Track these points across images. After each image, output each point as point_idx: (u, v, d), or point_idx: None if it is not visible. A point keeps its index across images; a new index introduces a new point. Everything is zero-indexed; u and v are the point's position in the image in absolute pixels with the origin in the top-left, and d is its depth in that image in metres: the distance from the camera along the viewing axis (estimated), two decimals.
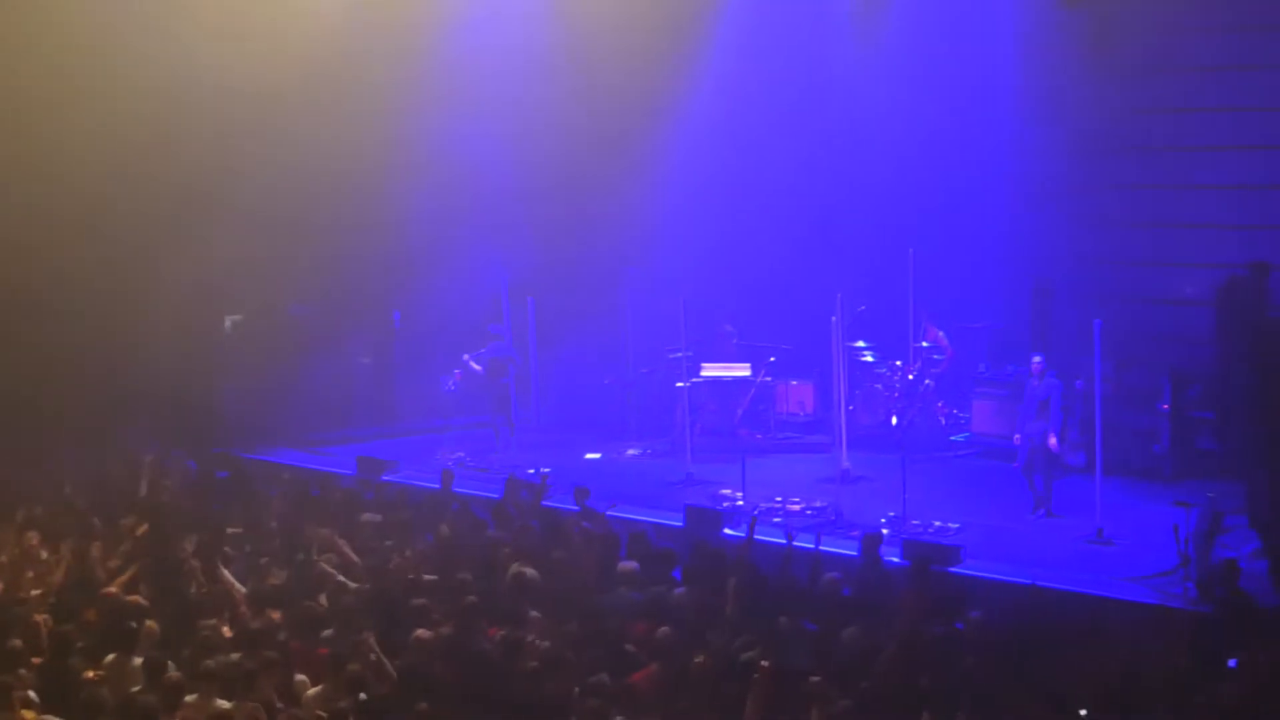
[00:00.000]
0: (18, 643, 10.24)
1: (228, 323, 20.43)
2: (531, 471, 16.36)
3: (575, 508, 14.07)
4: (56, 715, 9.32)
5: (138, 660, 10.06)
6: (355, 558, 12.46)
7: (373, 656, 9.76)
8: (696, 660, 9.58)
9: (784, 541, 12.26)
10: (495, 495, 14.95)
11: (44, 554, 12.95)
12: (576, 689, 9.37)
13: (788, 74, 19.60)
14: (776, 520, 14.90)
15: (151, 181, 18.01)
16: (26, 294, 17.72)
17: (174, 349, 18.31)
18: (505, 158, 19.33)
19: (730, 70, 19.74)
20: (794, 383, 19.57)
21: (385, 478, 16.85)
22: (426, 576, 12.00)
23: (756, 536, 12.39)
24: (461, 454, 18.52)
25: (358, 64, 19.24)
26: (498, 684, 9.58)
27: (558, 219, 20.10)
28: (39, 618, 10.97)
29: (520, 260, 19.15)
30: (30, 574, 12.48)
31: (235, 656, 9.87)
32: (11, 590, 12.05)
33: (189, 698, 9.36)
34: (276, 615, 11.07)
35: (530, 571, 11.72)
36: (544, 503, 14.28)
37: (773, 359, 19.16)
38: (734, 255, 19.71)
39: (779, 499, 15.98)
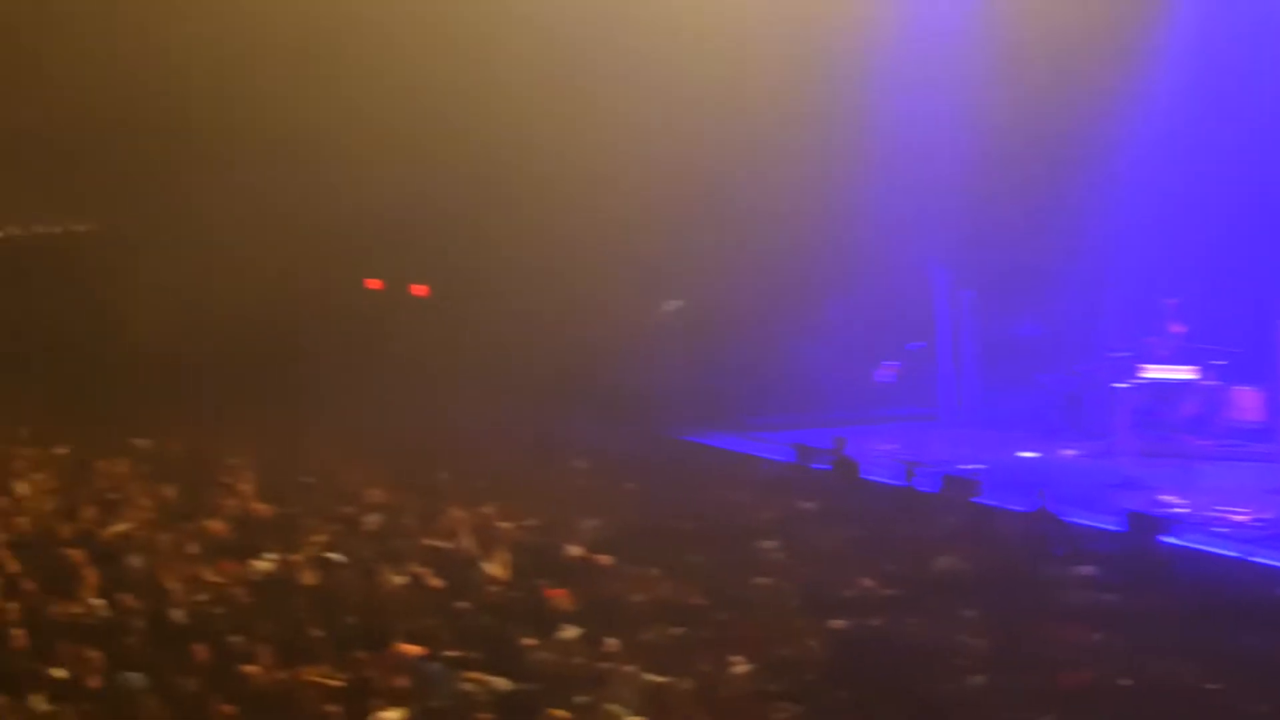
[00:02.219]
0: None
1: (667, 307, 21.22)
2: (966, 468, 16.45)
3: (1010, 506, 14.09)
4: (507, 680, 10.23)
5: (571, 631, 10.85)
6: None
7: (805, 643, 10.19)
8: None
9: (1233, 554, 11.90)
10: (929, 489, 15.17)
11: (503, 524, 14.17)
12: (1005, 690, 9.50)
13: (1241, 65, 18.83)
14: (1221, 530, 14.46)
15: (610, 179, 18.90)
16: (480, 282, 19.14)
17: (615, 333, 19.28)
18: (947, 149, 19.36)
19: (1182, 64, 19.15)
20: (1242, 387, 18.83)
21: (818, 465, 17.26)
22: (856, 568, 12.36)
23: (1199, 546, 12.09)
24: (894, 446, 18.76)
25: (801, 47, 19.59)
26: (922, 680, 9.83)
27: (999, 215, 19.97)
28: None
29: (956, 254, 19.18)
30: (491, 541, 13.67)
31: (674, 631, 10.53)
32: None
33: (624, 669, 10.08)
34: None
35: (962, 566, 11.89)
36: (976, 499, 14.40)
37: (1220, 362, 18.50)
38: (1179, 253, 19.12)
39: (1224, 508, 15.46)
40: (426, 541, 13.69)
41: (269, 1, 19.36)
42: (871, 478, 16.32)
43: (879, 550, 13.08)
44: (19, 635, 11.05)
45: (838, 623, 10.92)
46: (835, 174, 19.82)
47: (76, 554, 12.89)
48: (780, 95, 19.43)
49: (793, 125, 19.37)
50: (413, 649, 10.94)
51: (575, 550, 13.33)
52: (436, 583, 12.56)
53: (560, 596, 12.01)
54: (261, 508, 14.82)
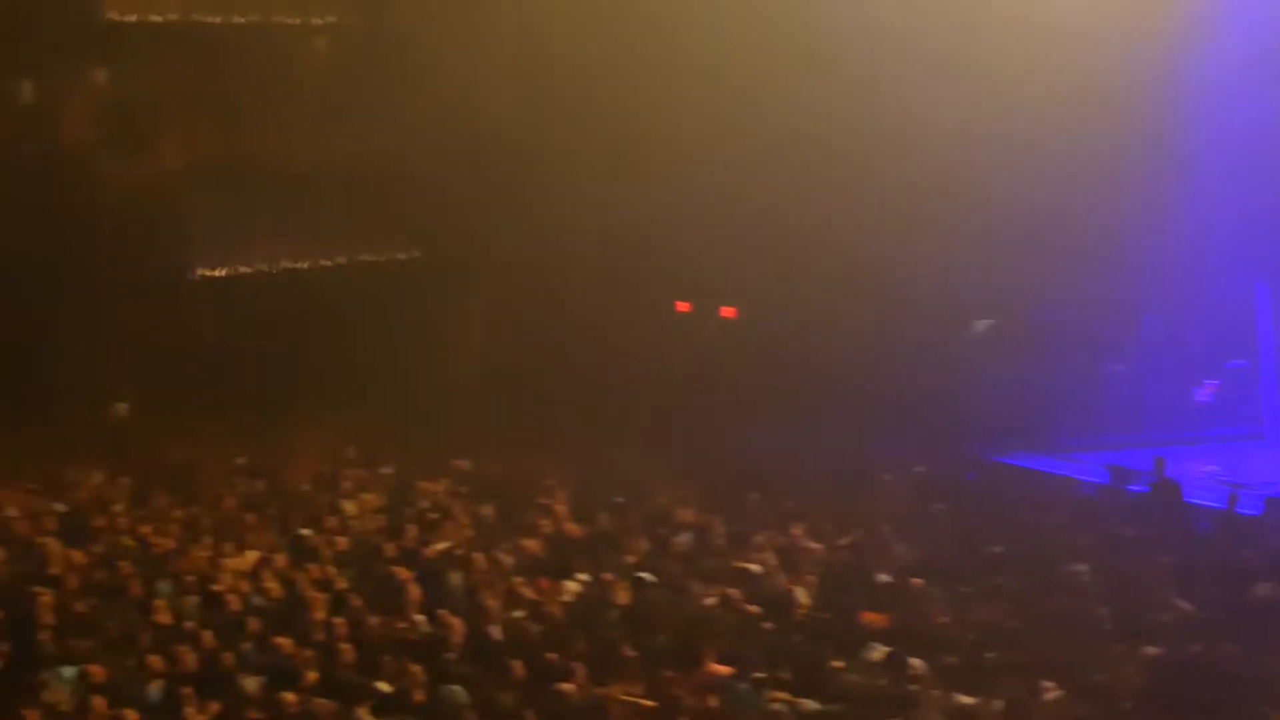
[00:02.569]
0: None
1: (978, 325, 20.92)
2: None
3: None
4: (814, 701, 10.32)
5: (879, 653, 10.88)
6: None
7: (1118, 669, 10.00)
8: None
9: None
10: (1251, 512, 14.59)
11: (812, 544, 14.24)
12: None
13: None
14: None
15: (922, 196, 18.84)
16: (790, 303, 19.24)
17: (923, 352, 19.13)
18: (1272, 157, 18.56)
19: None
20: None
21: (1135, 488, 16.77)
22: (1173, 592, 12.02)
23: None
24: (1215, 467, 18.07)
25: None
26: (1240, 710, 9.52)
27: None
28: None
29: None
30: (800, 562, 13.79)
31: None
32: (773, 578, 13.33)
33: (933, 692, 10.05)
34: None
35: None
36: None
37: None
38: None
39: None
40: (737, 563, 13.88)
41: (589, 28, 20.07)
42: (1190, 500, 15.77)
43: (1196, 575, 12.68)
44: (347, 649, 11.69)
45: (1153, 649, 10.65)
46: (1155, 185, 19.19)
47: (401, 571, 13.56)
48: (1100, 104, 18.93)
49: (1112, 136, 18.85)
50: (722, 669, 11.14)
51: (884, 574, 13.32)
52: (746, 603, 12.73)
53: (874, 620, 12.04)
54: (575, 527, 15.27)
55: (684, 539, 14.87)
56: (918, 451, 17.73)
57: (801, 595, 12.88)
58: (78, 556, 14.11)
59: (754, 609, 12.45)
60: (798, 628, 12.03)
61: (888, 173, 19.07)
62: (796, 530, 14.74)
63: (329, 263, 21.02)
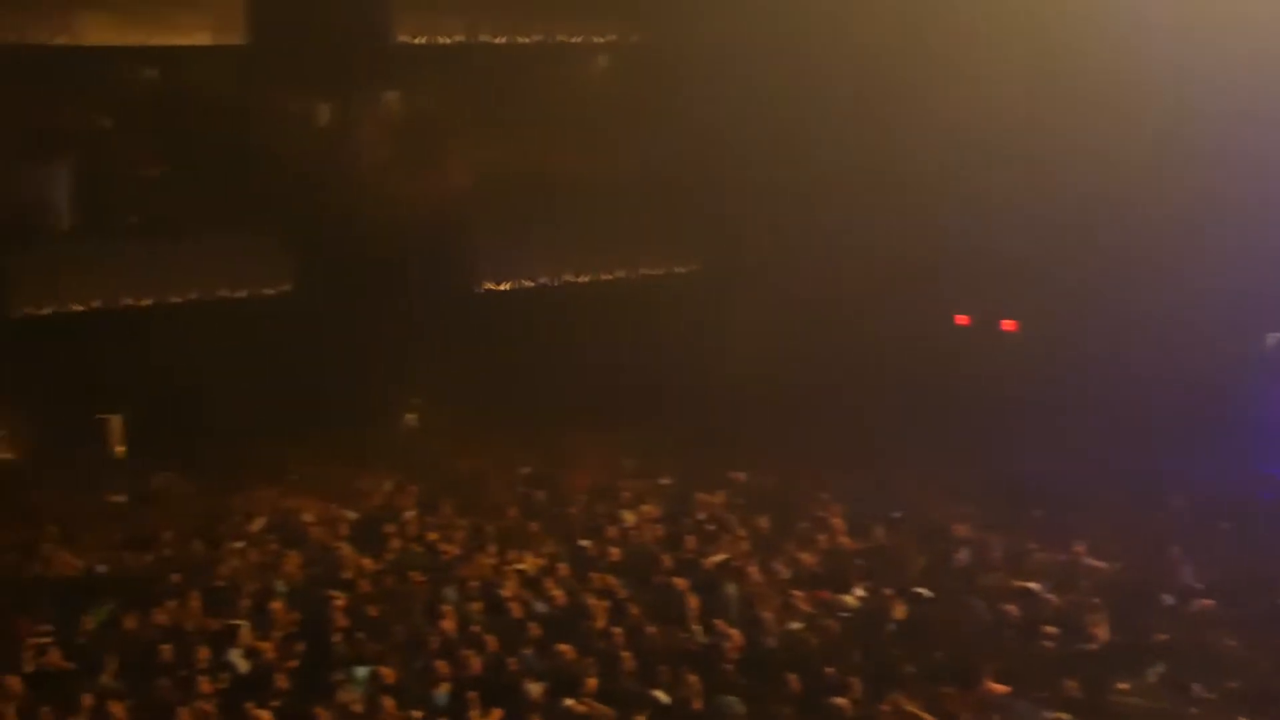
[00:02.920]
0: None
1: (1272, 339, 20.01)
2: None
3: None
4: None
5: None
6: None
7: None
8: None
9: None
10: None
11: (1094, 563, 13.90)
12: None
13: None
14: None
15: (1206, 208, 18.19)
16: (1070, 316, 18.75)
17: (1214, 367, 18.42)
18: None
19: None
20: None
21: None
22: None
23: None
24: None
25: None
26: None
27: None
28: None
29: None
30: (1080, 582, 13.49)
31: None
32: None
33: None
34: None
35: None
36: None
37: None
38: None
39: None
40: (1016, 581, 13.66)
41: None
42: None
43: None
44: (627, 658, 11.93)
45: None
46: None
47: (679, 582, 13.76)
48: None
49: None
50: (1000, 688, 11.00)
51: (1169, 595, 12.95)
52: (1025, 622, 12.53)
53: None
54: (851, 541, 15.23)
55: (962, 555, 14.72)
56: (1206, 469, 17.11)
57: (1083, 615, 12.61)
58: (369, 562, 14.78)
59: (1032, 626, 12.29)
60: (1078, 647, 11.78)
61: (1177, 183, 18.40)
62: (1078, 548, 14.42)
63: (609, 276, 21.44)
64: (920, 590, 13.46)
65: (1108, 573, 13.86)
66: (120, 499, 17.14)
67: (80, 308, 18.84)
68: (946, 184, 19.56)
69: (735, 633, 12.52)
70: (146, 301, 19.22)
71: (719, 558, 14.69)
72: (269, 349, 19.49)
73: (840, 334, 20.53)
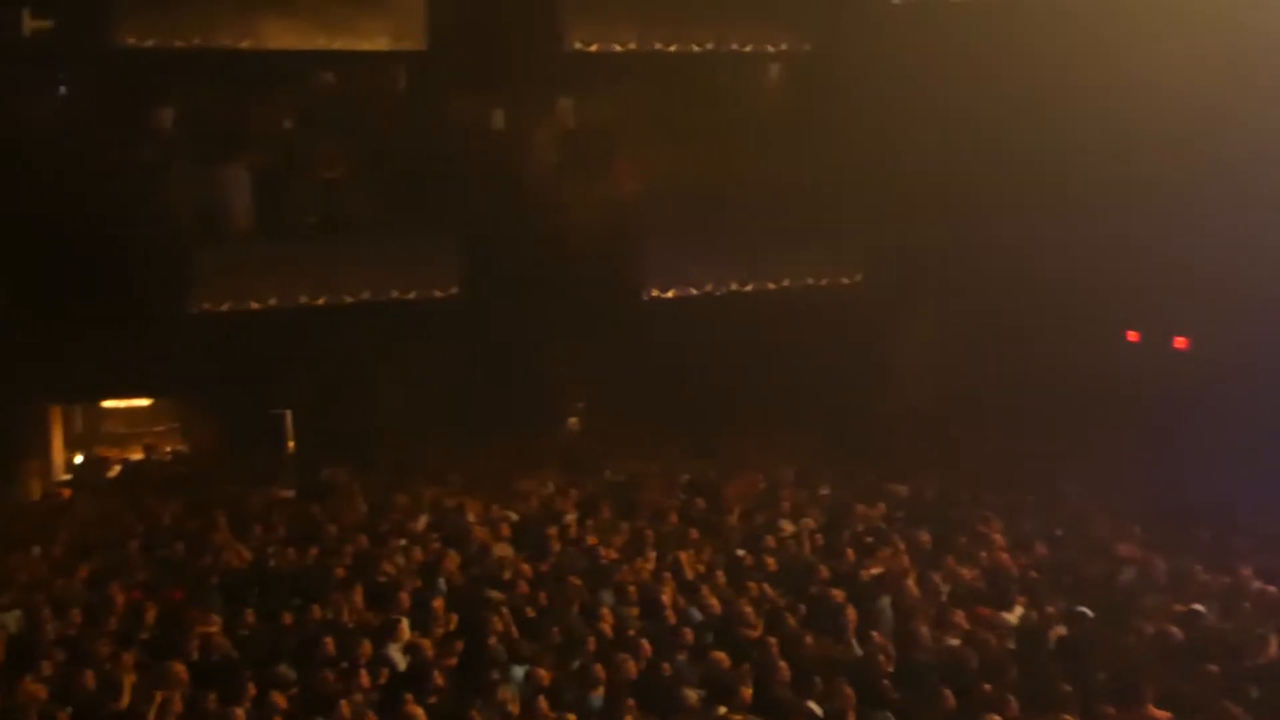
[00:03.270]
0: None
1: None
2: None
3: None
4: None
5: None
6: None
7: None
8: None
9: None
10: None
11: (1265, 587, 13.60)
12: None
13: None
14: None
15: None
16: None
17: None
18: None
19: None
20: None
21: None
22: None
23: None
24: None
25: None
26: None
27: None
28: None
29: None
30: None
31: None
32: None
33: None
34: None
35: None
36: None
37: None
38: None
39: None
40: (1180, 603, 13.40)
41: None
42: None
43: None
44: (783, 668, 11.95)
45: None
46: None
47: (837, 593, 13.74)
48: None
49: None
50: (1161, 713, 10.81)
51: None
52: (1188, 644, 12.29)
53: None
54: (1011, 557, 15.07)
55: (1126, 575, 14.47)
56: None
57: (1248, 639, 12.33)
58: (528, 564, 15.02)
59: (1198, 650, 12.04)
60: (1246, 672, 11.50)
61: None
62: (1245, 571, 14.08)
63: (774, 285, 21.46)
64: (1082, 609, 13.29)
65: (1275, 596, 13.51)
66: (289, 494, 17.63)
67: (257, 305, 19.36)
68: (1120, 196, 19.21)
69: (891, 646, 12.50)
70: (321, 300, 19.68)
71: (877, 570, 14.65)
72: (437, 350, 19.88)
73: (1006, 347, 20.29)
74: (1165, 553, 15.09)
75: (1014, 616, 13.45)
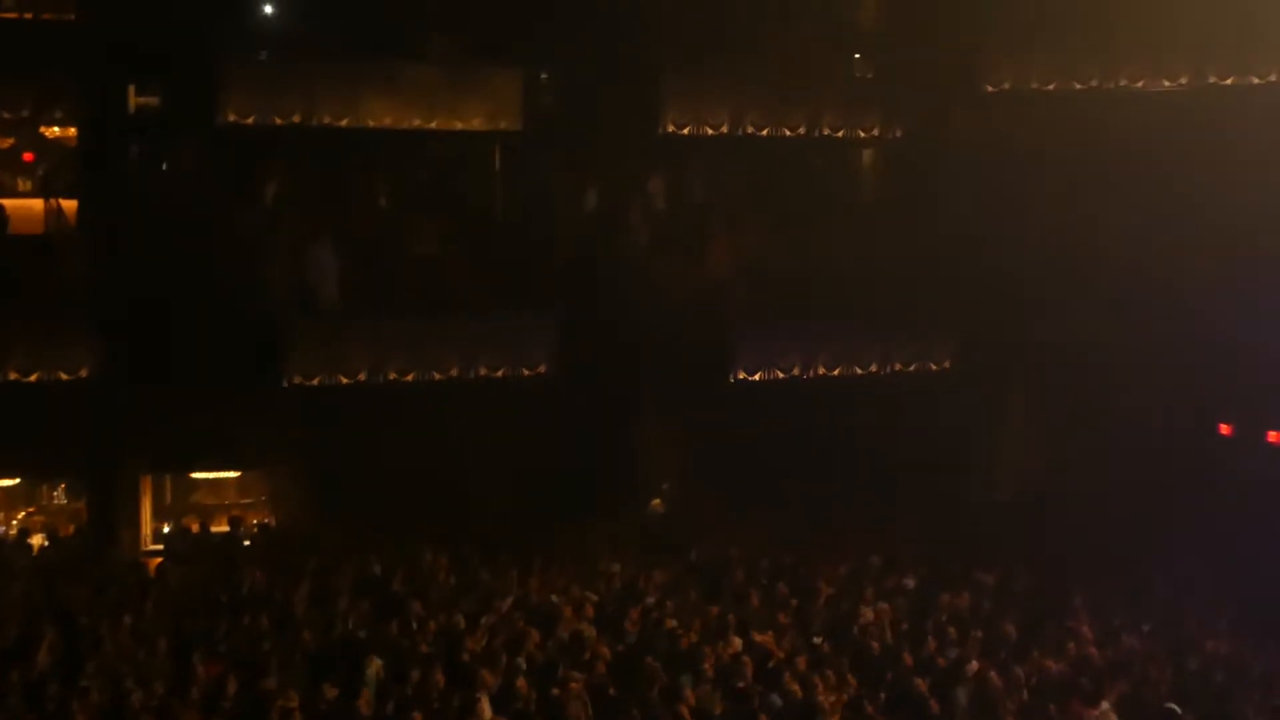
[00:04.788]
0: None
1: None
2: None
3: None
4: None
5: None
6: None
7: None
8: None
9: None
10: None
11: None
12: None
13: None
14: None
15: None
16: None
17: None
18: None
19: None
20: None
21: None
22: None
23: None
24: None
25: None
26: None
27: None
28: None
29: None
30: None
31: None
32: None
33: None
34: None
35: None
36: None
37: None
38: None
39: None
40: (1274, 700, 13.28)
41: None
42: None
43: None
44: None
45: None
46: None
47: (919, 682, 13.73)
48: None
49: None
50: None
51: None
52: None
53: None
54: (1099, 651, 14.97)
55: (1217, 671, 14.34)
56: None
57: None
58: (608, 645, 15.12)
59: None
60: None
61: None
62: None
63: (861, 370, 21.50)
64: (1171, 706, 13.18)
65: None
66: (377, 568, 17.83)
67: (347, 380, 19.66)
68: (1216, 285, 19.17)
69: None
70: (410, 376, 19.95)
71: (959, 659, 14.62)
72: (525, 428, 20.11)
73: (1097, 438, 20.20)
74: (1257, 650, 14.95)
75: (1100, 712, 13.37)
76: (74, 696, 13.18)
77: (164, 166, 21.68)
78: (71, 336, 19.13)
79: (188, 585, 17.12)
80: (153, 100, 20.88)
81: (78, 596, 16.43)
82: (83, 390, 19.05)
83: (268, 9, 21.79)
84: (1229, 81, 20.06)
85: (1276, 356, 18.69)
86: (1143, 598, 17.31)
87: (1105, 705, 13.48)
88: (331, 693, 13.47)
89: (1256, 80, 19.86)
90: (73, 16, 20.04)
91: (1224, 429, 20.71)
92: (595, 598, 16.92)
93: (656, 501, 20.56)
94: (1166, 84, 20.50)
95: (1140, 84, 20.55)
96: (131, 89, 20.65)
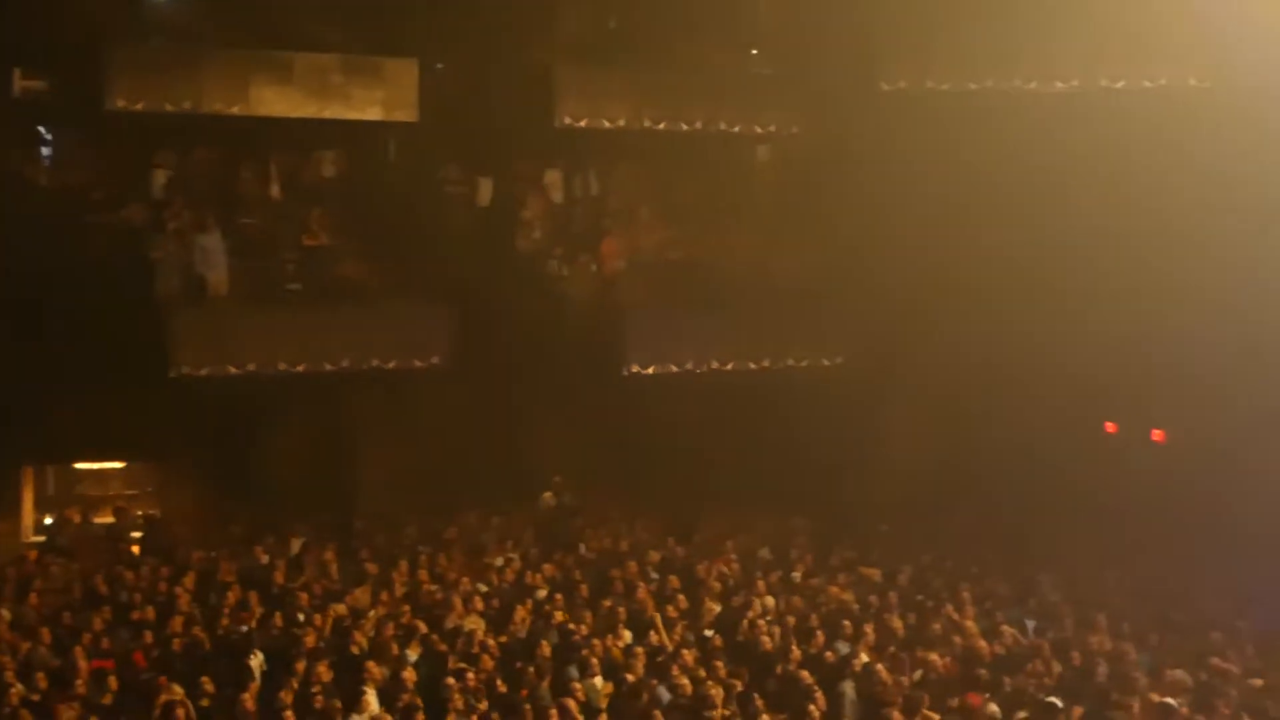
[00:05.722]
0: None
1: None
2: None
3: None
4: None
5: None
6: None
7: None
8: None
9: None
10: None
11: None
12: None
13: None
14: None
15: None
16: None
17: None
18: None
19: None
20: None
21: None
22: None
23: None
24: None
25: None
26: None
27: None
28: None
29: None
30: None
31: None
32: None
33: None
34: None
35: None
36: None
37: None
38: None
39: None
40: (1155, 696, 13.50)
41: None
42: None
43: None
44: None
45: None
46: None
47: (805, 675, 13.84)
48: None
49: None
50: None
51: None
52: None
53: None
54: (984, 645, 15.16)
55: (1100, 666, 14.57)
56: None
57: None
58: (496, 639, 15.10)
59: None
60: None
61: None
62: (1216, 664, 14.23)
63: (755, 365, 21.54)
64: (1053, 700, 13.37)
65: (1251, 690, 13.66)
66: (265, 559, 17.66)
67: (236, 370, 19.40)
68: (1102, 290, 19.51)
69: None
70: (300, 367, 19.72)
71: (846, 653, 14.75)
72: (416, 419, 19.99)
73: (985, 435, 20.47)
74: (1140, 645, 15.22)
75: (983, 705, 13.53)
76: None
77: (49, 152, 21.22)
78: None
79: (69, 577, 16.83)
80: (38, 84, 20.45)
81: None
82: None
83: None
84: (1120, 84, 20.43)
85: (1161, 356, 19.05)
86: (1028, 594, 17.55)
87: (989, 699, 13.64)
88: (212, 687, 13.34)
89: (1148, 84, 20.24)
90: None
91: (1109, 427, 21.08)
92: (485, 589, 16.89)
93: (548, 494, 20.51)
94: (1060, 85, 20.80)
95: (1033, 85, 20.82)
96: (16, 73, 20.20)
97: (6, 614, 15.25)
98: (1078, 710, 13.23)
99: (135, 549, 18.51)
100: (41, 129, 20.94)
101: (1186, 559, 18.04)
